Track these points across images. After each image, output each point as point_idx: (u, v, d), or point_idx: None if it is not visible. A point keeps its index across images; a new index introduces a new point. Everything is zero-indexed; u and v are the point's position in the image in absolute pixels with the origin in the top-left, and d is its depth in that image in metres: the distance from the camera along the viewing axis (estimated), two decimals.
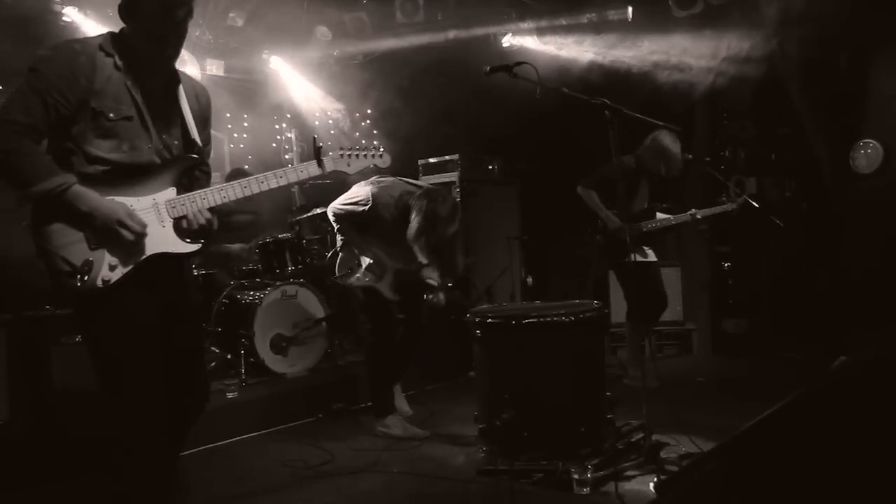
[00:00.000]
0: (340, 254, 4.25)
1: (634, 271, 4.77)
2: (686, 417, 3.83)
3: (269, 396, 4.71)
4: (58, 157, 2.27)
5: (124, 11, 2.34)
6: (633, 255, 4.81)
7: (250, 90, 7.24)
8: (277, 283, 5.26)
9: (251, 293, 5.25)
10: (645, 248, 4.96)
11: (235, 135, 7.33)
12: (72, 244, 2.24)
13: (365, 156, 2.71)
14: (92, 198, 2.24)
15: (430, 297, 4.12)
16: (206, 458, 3.90)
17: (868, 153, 5.75)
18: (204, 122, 2.64)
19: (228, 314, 5.22)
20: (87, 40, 2.38)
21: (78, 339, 4.05)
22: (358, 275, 4.11)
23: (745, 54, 5.90)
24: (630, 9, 6.33)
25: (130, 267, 2.30)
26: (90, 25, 5.75)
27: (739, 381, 5.35)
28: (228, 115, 6.99)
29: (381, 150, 2.75)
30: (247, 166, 6.89)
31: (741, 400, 4.58)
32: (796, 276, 6.30)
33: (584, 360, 3.42)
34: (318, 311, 5.34)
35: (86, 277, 2.23)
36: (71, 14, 5.65)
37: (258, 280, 5.55)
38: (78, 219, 2.24)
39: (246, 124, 7.45)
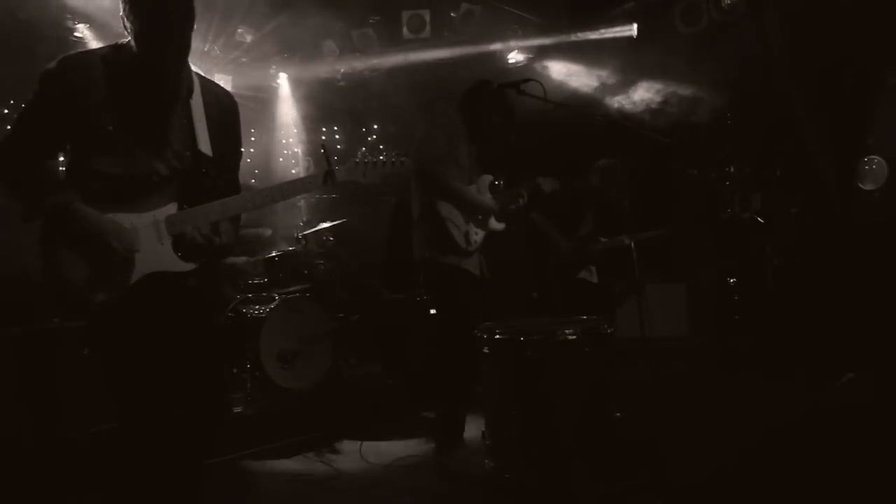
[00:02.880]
0: (419, 230, 3.70)
1: (578, 289, 4.99)
2: (692, 434, 3.80)
3: (275, 411, 4.71)
4: (61, 175, 2.29)
5: (125, 18, 2.22)
6: (581, 273, 5.01)
7: (258, 105, 7.29)
8: (284, 297, 5.27)
9: (257, 307, 5.26)
10: (591, 267, 5.11)
11: (242, 149, 7.34)
12: (71, 263, 2.21)
13: (383, 164, 2.48)
14: (88, 216, 2.21)
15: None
16: (210, 473, 3.88)
17: (873, 169, 5.76)
18: (226, 129, 2.53)
19: (234, 328, 5.23)
20: (88, 53, 2.33)
21: (85, 351, 4.07)
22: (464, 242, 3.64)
23: (749, 70, 5.94)
24: (635, 25, 6.38)
25: (124, 287, 2.24)
26: (98, 45, 5.82)
27: (746, 398, 5.31)
28: None
29: (398, 155, 2.54)
30: (253, 180, 6.94)
31: (748, 416, 4.55)
32: (802, 292, 6.29)
33: (591, 376, 3.41)
34: (325, 325, 5.35)
35: (84, 296, 2.21)
36: (82, 30, 5.72)
37: (264, 294, 5.56)
38: (76, 237, 2.21)
39: (253, 139, 7.50)
